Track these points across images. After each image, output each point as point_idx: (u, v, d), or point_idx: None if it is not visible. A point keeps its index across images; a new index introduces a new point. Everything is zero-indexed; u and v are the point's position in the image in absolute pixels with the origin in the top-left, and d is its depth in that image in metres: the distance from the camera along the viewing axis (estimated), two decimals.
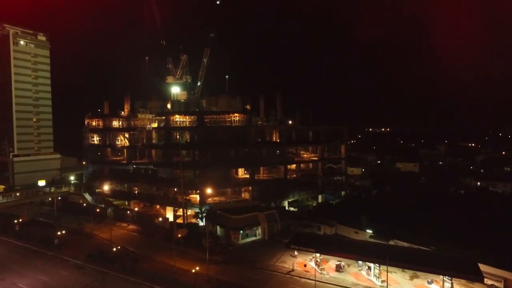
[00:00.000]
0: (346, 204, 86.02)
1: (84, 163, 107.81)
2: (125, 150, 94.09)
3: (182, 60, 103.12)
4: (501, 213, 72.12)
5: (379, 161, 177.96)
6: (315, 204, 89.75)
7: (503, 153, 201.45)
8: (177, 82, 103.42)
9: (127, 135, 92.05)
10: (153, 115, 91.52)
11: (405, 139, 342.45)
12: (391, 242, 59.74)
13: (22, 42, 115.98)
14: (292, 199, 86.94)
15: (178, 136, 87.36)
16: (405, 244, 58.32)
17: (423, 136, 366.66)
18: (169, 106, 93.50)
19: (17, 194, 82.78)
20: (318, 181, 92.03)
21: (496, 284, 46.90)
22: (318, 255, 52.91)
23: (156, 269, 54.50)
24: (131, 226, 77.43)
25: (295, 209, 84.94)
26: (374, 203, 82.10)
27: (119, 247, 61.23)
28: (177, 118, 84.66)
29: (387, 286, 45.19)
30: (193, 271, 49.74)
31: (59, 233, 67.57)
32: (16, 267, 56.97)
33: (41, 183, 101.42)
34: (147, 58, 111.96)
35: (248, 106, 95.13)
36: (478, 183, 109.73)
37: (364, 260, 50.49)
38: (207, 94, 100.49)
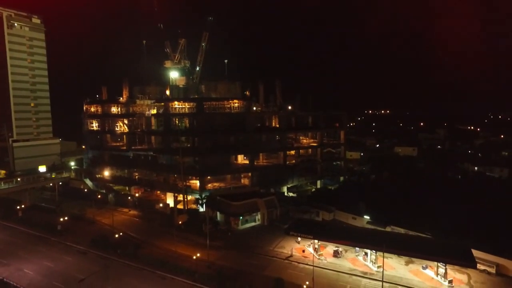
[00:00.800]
0: (344, 189, 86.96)
1: (83, 147, 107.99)
2: (124, 136, 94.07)
3: (181, 44, 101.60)
4: (496, 199, 72.79)
5: (378, 145, 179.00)
6: (314, 189, 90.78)
7: (502, 136, 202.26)
8: (175, 66, 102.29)
9: (126, 121, 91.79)
10: (152, 101, 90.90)
11: (405, 122, 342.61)
12: (388, 228, 60.98)
13: (16, 25, 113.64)
14: (291, 185, 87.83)
15: (177, 121, 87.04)
16: (402, 231, 59.57)
17: (423, 118, 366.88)
18: (167, 92, 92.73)
19: (19, 180, 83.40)
20: (317, 166, 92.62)
21: (488, 269, 48.26)
22: (316, 241, 54.08)
23: (157, 255, 55.55)
24: (132, 212, 78.55)
25: (294, 195, 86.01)
26: (372, 188, 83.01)
27: (121, 234, 62.21)
28: (176, 104, 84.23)
29: (383, 272, 46.35)
30: (194, 257, 50.95)
31: (61, 219, 68.45)
32: (20, 252, 58.08)
33: (42, 168, 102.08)
34: (144, 42, 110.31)
35: (247, 93, 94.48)
36: (476, 168, 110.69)
37: (361, 247, 51.65)
38: (206, 79, 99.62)
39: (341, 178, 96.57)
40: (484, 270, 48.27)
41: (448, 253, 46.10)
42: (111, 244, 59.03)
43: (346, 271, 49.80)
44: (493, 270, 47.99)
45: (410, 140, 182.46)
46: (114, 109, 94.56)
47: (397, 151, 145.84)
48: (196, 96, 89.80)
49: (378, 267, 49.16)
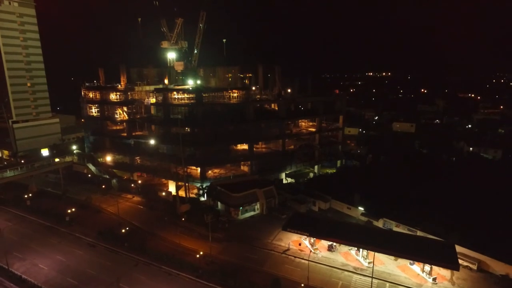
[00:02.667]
0: (341, 175, 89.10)
1: (82, 120, 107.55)
2: (124, 123, 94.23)
3: (177, 23, 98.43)
4: (487, 186, 73.68)
5: (376, 117, 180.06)
6: (311, 174, 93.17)
7: (501, 107, 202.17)
8: (172, 47, 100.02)
9: (125, 109, 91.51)
10: (151, 89, 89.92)
11: (405, 88, 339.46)
12: (381, 221, 64.41)
13: (4, 1, 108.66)
14: (290, 171, 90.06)
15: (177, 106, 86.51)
16: (393, 223, 62.99)
17: (424, 82, 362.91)
18: (166, 81, 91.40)
19: (23, 167, 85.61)
20: (315, 152, 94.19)
21: (470, 265, 52.00)
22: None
23: (163, 248, 58.87)
24: (136, 198, 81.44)
25: (293, 180, 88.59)
26: (368, 175, 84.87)
27: (127, 228, 65.04)
28: (175, 95, 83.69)
29: (373, 268, 50.02)
30: (198, 256, 54.41)
31: (69, 210, 71.12)
32: (33, 245, 61.30)
33: (44, 152, 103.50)
34: (139, 19, 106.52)
35: (246, 81, 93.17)
36: (471, 148, 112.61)
37: (353, 246, 55.01)
38: (204, 63, 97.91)
39: (339, 163, 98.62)
40: (466, 266, 52.02)
41: (433, 253, 49.36)
42: (118, 236, 62.18)
43: (339, 266, 53.50)
44: (474, 267, 51.70)
45: (408, 112, 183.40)
46: (112, 96, 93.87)
47: (395, 127, 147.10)
48: (194, 81, 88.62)
49: (369, 262, 52.85)
